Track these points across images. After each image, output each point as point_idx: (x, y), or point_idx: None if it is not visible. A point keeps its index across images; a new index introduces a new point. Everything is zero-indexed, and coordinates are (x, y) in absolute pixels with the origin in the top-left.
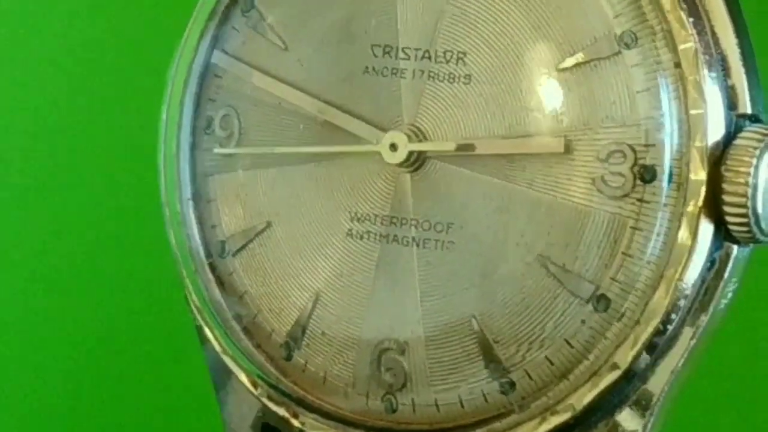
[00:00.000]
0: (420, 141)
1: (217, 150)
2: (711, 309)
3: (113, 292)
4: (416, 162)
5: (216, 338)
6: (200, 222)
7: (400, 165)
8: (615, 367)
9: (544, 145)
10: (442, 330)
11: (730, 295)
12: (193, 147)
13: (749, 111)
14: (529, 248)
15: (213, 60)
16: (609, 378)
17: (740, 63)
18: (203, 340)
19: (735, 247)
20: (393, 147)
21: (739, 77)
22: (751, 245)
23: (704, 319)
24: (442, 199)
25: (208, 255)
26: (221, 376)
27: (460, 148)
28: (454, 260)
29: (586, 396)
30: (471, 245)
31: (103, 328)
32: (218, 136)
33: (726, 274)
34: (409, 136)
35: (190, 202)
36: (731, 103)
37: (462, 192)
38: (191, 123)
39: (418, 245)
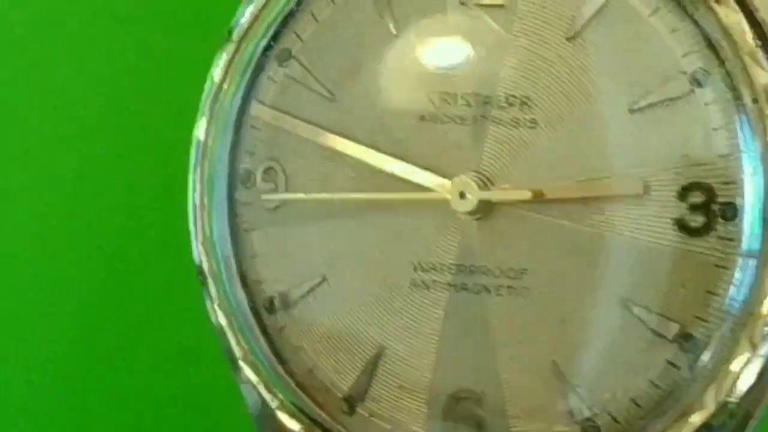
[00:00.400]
0: (489, 189)
1: (266, 197)
2: None
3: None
4: (485, 210)
5: (269, 391)
6: (243, 279)
7: (469, 213)
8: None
9: (622, 186)
10: (521, 377)
11: None
12: (231, 200)
13: None
14: (610, 291)
15: (251, 111)
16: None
17: None
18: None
19: None
20: (462, 195)
21: None
22: None
23: None
24: (514, 245)
25: (255, 312)
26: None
27: (536, 195)
28: (530, 307)
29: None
30: (547, 291)
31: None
32: (260, 189)
33: None
34: (478, 184)
35: (232, 260)
36: None
37: (534, 237)
38: (227, 177)
39: (489, 292)
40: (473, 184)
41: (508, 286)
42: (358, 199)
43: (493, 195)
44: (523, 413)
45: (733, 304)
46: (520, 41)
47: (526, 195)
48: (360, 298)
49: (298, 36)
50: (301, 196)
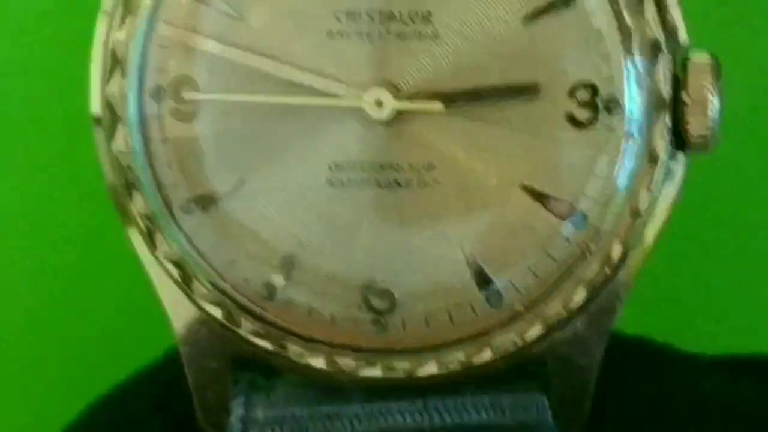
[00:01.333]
0: (401, 99)
1: (187, 95)
2: None
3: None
4: (397, 116)
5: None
6: (158, 184)
7: (384, 121)
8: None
9: (518, 84)
10: (432, 258)
11: None
12: (141, 114)
13: None
14: (512, 179)
15: (159, 31)
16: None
17: None
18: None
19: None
20: (378, 103)
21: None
22: None
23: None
24: (421, 143)
25: (172, 214)
26: None
27: (447, 106)
28: (439, 197)
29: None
30: (454, 182)
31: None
32: (174, 99)
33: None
34: (393, 94)
35: (147, 165)
36: None
37: (441, 136)
38: (136, 95)
39: (401, 185)
40: (389, 94)
41: (418, 179)
42: (275, 104)
43: (408, 106)
44: (433, 286)
45: (618, 184)
46: None
47: (438, 107)
48: (279, 197)
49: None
50: (223, 96)
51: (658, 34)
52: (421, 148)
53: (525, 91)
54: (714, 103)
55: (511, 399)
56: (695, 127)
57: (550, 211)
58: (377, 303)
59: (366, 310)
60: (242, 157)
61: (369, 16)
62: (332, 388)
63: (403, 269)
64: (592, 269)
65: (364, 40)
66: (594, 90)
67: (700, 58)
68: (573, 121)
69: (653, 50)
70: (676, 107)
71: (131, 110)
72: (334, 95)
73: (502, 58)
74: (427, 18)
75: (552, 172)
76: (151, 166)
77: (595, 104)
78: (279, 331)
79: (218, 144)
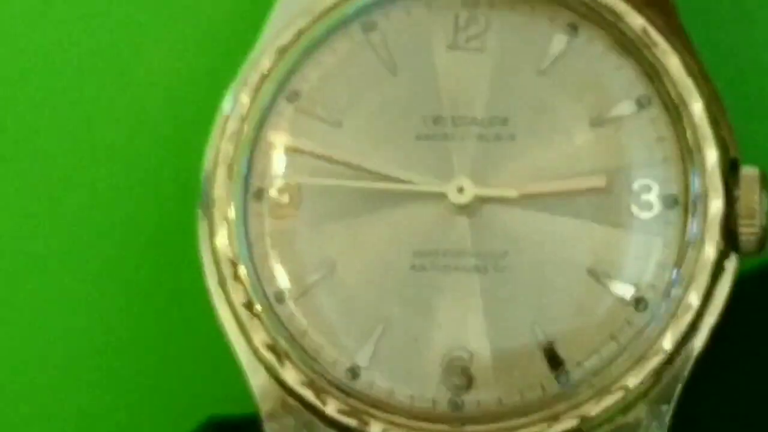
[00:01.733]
0: (481, 187)
1: (286, 196)
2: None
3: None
4: (476, 204)
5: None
6: (256, 276)
7: (464, 207)
8: (659, 351)
9: (588, 182)
10: (508, 339)
11: None
12: (245, 214)
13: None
14: (579, 264)
15: (263, 138)
16: (655, 361)
17: None
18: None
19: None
20: (460, 190)
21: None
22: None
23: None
24: (497, 231)
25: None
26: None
27: (523, 195)
28: (513, 281)
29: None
30: (526, 267)
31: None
32: (273, 202)
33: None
34: (473, 182)
35: (247, 259)
36: None
37: (515, 225)
38: (241, 196)
39: (478, 270)
40: (470, 181)
41: (493, 266)
42: (366, 194)
43: (486, 191)
44: (508, 366)
45: (675, 274)
46: (499, 74)
47: (514, 193)
48: (366, 282)
49: (305, 79)
50: (318, 181)
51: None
52: (497, 236)
53: (592, 188)
54: (762, 212)
55: None
56: (746, 233)
57: (613, 294)
58: (456, 381)
59: (444, 389)
60: (333, 246)
61: (452, 121)
62: None
63: (480, 349)
64: (653, 353)
65: (449, 141)
66: (654, 188)
67: (750, 171)
68: (635, 213)
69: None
70: (729, 213)
71: (235, 210)
72: (420, 183)
73: (571, 158)
74: (504, 122)
75: (616, 259)
76: (251, 259)
77: (656, 200)
78: (362, 410)
79: (312, 237)
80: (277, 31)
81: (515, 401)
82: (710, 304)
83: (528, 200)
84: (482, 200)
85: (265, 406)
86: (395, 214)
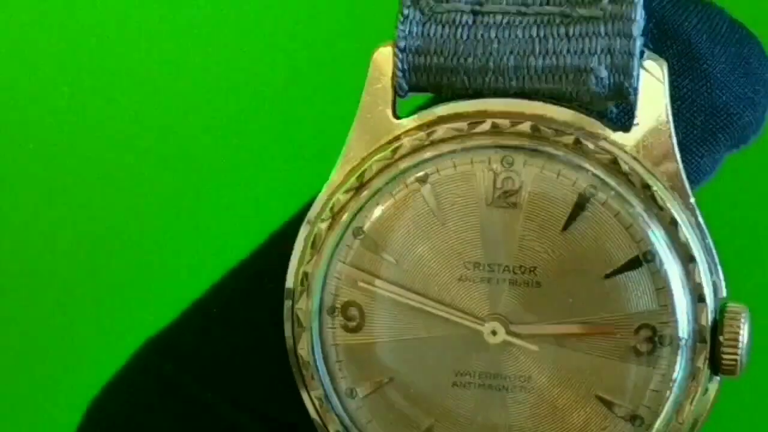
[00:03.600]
0: (511, 334)
1: (353, 313)
2: None
3: None
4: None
5: None
6: (330, 377)
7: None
8: None
9: (596, 326)
10: None
11: None
12: (321, 325)
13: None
14: (589, 391)
15: (334, 267)
16: None
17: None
18: None
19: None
20: (493, 332)
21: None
22: None
23: None
24: (522, 362)
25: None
26: None
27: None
28: (534, 402)
29: None
30: (546, 391)
31: None
32: (341, 318)
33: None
34: (505, 327)
35: (322, 362)
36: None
37: (537, 359)
38: (317, 311)
39: (507, 390)
40: (502, 327)
41: (520, 387)
42: (420, 318)
43: (514, 340)
44: None
45: (668, 397)
46: (528, 230)
47: (534, 348)
48: (416, 393)
49: (368, 217)
50: (385, 291)
51: (707, 291)
52: (522, 365)
53: (601, 331)
54: (743, 343)
55: None
56: (727, 361)
57: (616, 414)
58: None
59: None
60: (393, 360)
61: (489, 267)
62: None
63: None
64: None
65: (486, 283)
66: (654, 330)
67: (735, 308)
68: (636, 350)
69: (700, 299)
70: (714, 344)
71: (319, 323)
72: (461, 320)
73: (585, 304)
74: (532, 271)
75: (620, 386)
76: (325, 362)
77: (655, 340)
78: None
79: (375, 350)
80: (351, 167)
81: None
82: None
83: (544, 338)
84: (510, 341)
85: None
86: (442, 337)
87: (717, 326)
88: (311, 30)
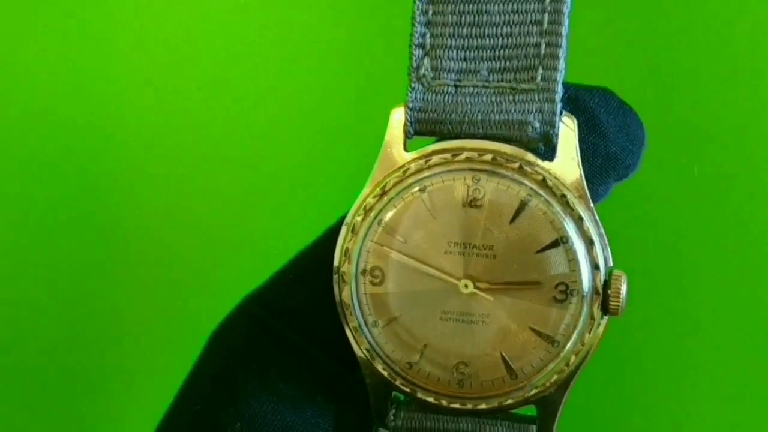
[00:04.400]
0: (477, 289)
1: (377, 273)
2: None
3: None
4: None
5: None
6: (363, 316)
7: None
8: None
9: (532, 284)
10: (489, 353)
11: None
12: (357, 282)
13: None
14: (525, 324)
15: (366, 247)
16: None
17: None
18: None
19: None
20: (465, 286)
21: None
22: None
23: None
24: (485, 306)
25: (368, 328)
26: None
27: (494, 294)
28: (491, 330)
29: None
30: (497, 320)
31: None
32: (369, 276)
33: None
34: (473, 283)
35: (357, 307)
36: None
37: (495, 301)
38: (354, 275)
39: (473, 323)
40: (471, 283)
41: (482, 319)
42: (420, 272)
43: (477, 293)
44: (490, 369)
45: (575, 329)
46: (489, 222)
47: (490, 299)
48: (414, 326)
49: (387, 213)
50: (398, 256)
51: (601, 262)
52: (484, 307)
53: (533, 284)
54: (623, 295)
55: (517, 424)
56: (613, 306)
57: (542, 339)
58: (463, 370)
59: (457, 374)
60: (400, 303)
61: (464, 245)
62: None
63: (475, 355)
64: (560, 366)
65: (462, 255)
66: (567, 286)
67: (618, 273)
68: (555, 299)
69: (596, 267)
70: (605, 296)
71: (355, 280)
72: (446, 280)
73: (523, 269)
74: (491, 248)
75: (545, 322)
76: (359, 304)
77: (568, 293)
78: (413, 385)
79: (389, 297)
80: (377, 182)
81: (494, 385)
82: (590, 346)
83: (495, 291)
84: (476, 292)
85: (368, 379)
86: (435, 288)
87: (606, 284)
88: (346, 97)
